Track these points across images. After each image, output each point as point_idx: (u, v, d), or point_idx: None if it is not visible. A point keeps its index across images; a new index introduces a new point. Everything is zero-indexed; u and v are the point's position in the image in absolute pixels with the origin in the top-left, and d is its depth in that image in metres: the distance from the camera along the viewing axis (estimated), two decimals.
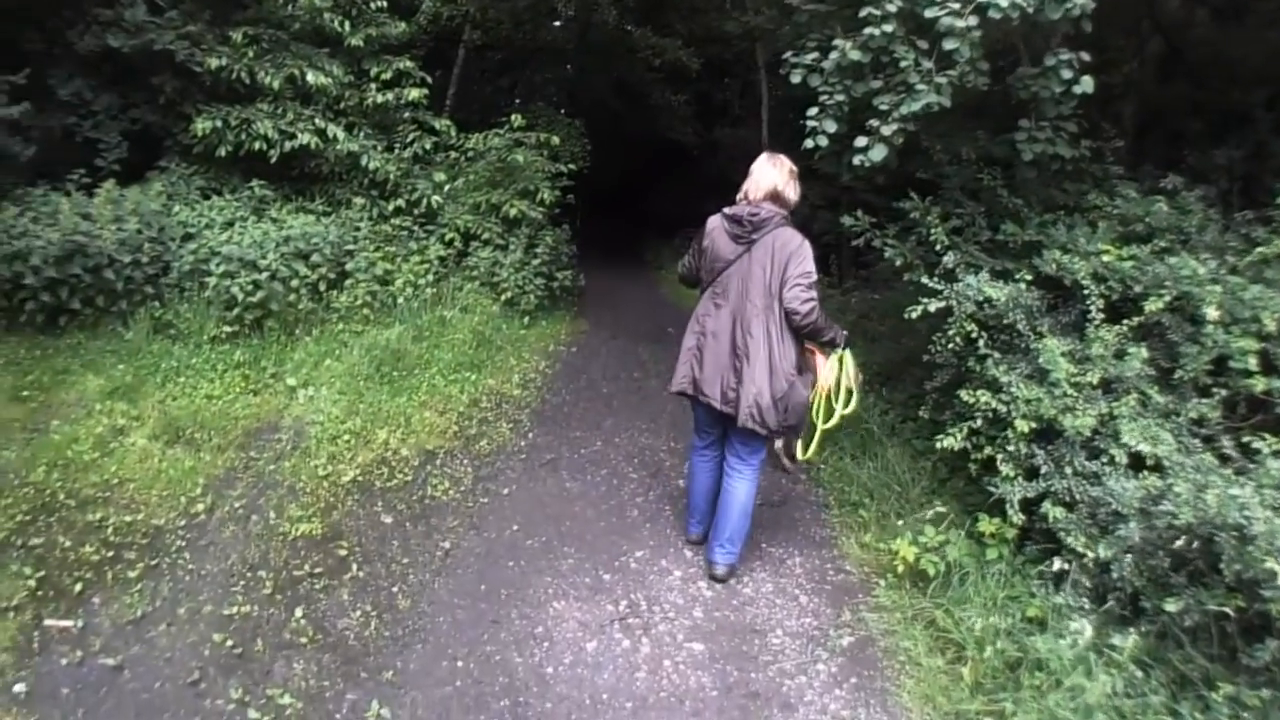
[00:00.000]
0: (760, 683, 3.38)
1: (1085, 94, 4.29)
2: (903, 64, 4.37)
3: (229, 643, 3.26)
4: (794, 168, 4.05)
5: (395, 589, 3.73)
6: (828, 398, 4.19)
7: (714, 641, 3.63)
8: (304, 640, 3.33)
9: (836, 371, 4.16)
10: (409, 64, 9.07)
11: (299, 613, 3.48)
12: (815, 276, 3.83)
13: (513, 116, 9.89)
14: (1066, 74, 4.29)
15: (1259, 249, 4.07)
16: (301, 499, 4.37)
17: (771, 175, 3.99)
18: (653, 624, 3.71)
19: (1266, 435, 3.41)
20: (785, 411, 3.85)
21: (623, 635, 3.59)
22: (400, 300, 7.46)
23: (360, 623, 3.47)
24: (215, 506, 4.21)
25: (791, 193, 4.01)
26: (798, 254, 3.80)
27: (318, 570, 3.80)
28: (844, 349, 4.10)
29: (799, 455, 4.25)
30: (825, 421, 4.18)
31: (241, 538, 3.98)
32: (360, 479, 4.68)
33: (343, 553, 3.96)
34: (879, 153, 4.43)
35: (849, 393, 4.20)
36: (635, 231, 20.19)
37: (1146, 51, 6.93)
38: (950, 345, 4.60)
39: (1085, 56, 4.29)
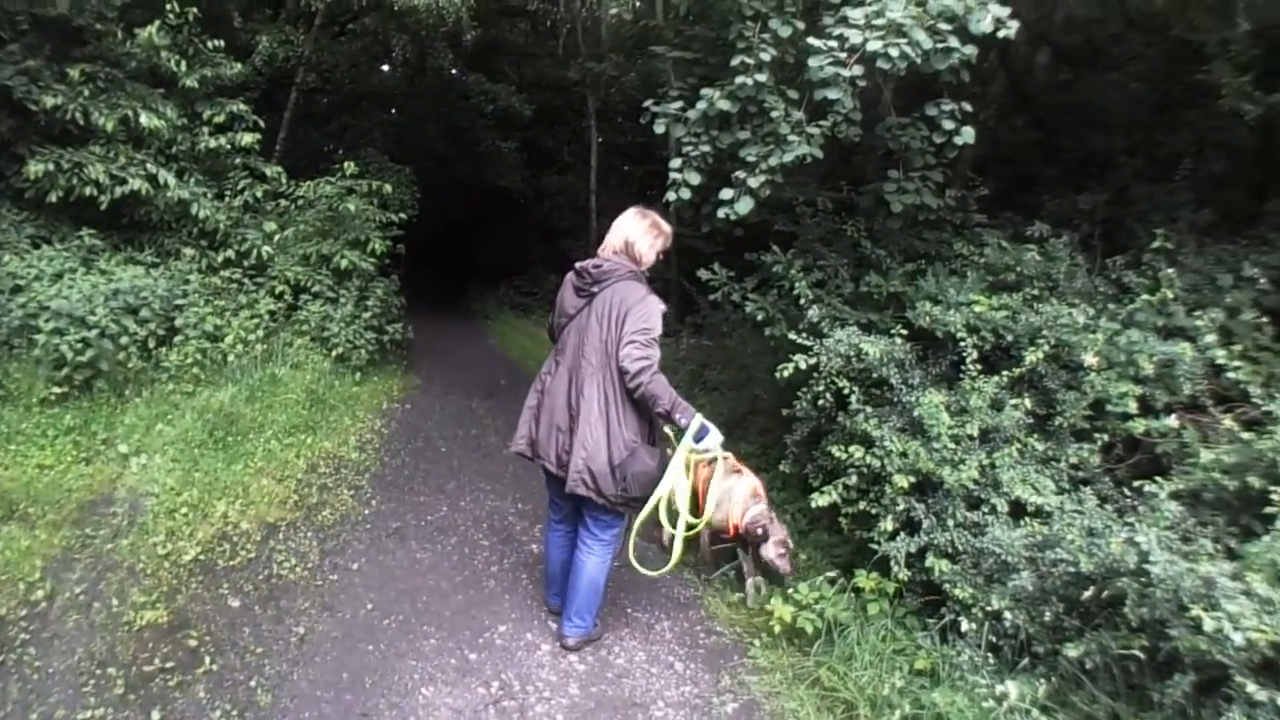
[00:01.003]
0: None
1: (966, 144, 4.30)
2: (773, 114, 4.32)
3: None
4: (660, 225, 3.84)
5: (253, 683, 3.64)
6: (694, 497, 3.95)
7: None
8: None
9: (685, 465, 3.74)
10: (243, 107, 8.85)
11: (156, 715, 3.33)
12: (655, 334, 3.56)
13: (346, 164, 9.82)
14: (949, 124, 4.29)
15: (1144, 297, 4.15)
16: (143, 582, 4.23)
17: (626, 228, 3.80)
18: (529, 705, 3.62)
19: (1159, 479, 3.48)
20: (625, 480, 3.58)
21: None
22: (231, 358, 7.25)
23: None
24: (56, 593, 4.01)
25: (646, 248, 3.78)
26: (638, 308, 3.56)
27: (169, 665, 3.66)
28: (696, 440, 3.59)
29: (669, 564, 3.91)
30: (674, 526, 3.77)
31: (86, 629, 3.82)
32: (202, 558, 4.56)
33: (193, 643, 3.85)
34: (745, 205, 4.37)
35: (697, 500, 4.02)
36: (462, 280, 20.20)
37: (990, 94, 7.16)
38: (820, 401, 4.57)
39: (967, 107, 4.30)
